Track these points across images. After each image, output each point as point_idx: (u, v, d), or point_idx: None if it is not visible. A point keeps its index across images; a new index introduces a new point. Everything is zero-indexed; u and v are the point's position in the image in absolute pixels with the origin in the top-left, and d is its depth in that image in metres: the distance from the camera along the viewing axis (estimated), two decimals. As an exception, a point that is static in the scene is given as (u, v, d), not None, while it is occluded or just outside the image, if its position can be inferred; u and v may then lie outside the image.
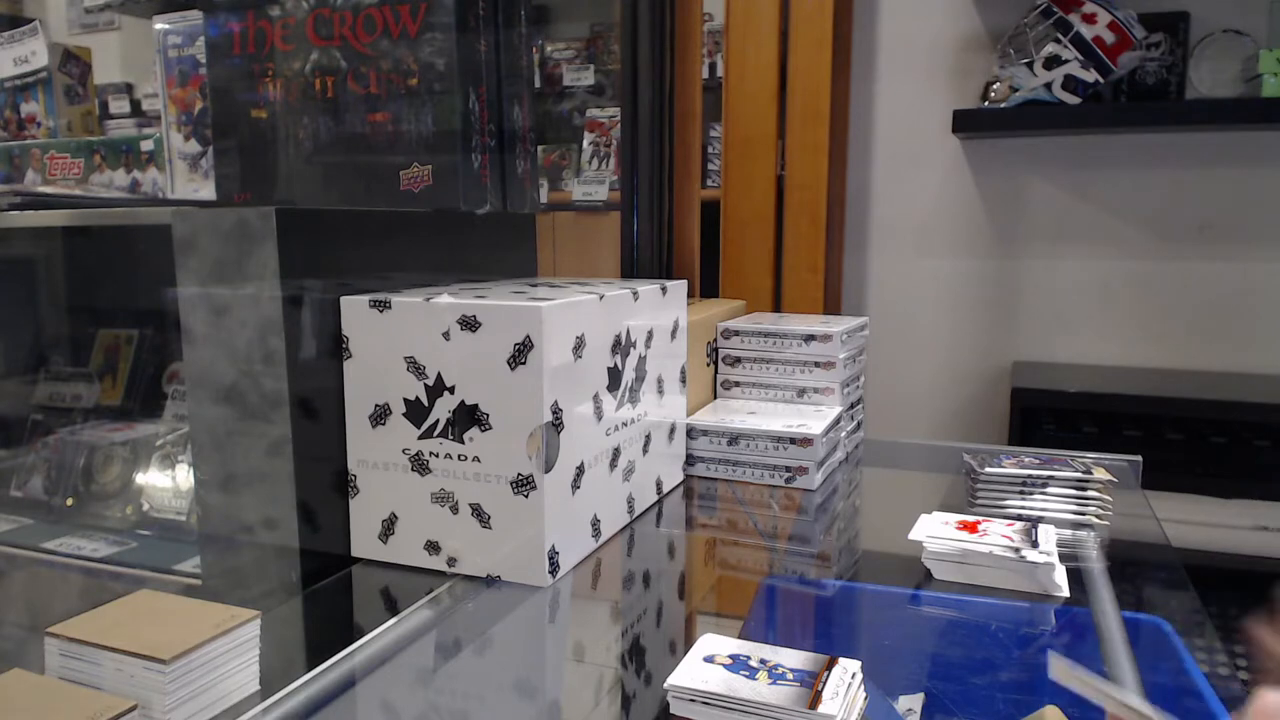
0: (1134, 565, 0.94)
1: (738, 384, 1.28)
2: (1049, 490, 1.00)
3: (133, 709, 0.55)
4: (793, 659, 0.62)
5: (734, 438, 1.13)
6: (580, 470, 0.86)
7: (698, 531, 1.04)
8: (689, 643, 0.65)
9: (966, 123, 2.11)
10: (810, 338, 1.23)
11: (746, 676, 0.60)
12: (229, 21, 1.05)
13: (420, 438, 0.83)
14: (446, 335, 0.81)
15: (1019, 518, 0.95)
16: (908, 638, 0.79)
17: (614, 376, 0.93)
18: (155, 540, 1.12)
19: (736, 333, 1.27)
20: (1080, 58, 1.96)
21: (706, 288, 1.75)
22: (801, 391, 1.24)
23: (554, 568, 0.82)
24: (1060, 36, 1.97)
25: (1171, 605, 0.85)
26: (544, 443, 0.79)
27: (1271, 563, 1.78)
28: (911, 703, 0.64)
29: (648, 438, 1.03)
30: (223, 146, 1.08)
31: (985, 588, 0.83)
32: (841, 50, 2.31)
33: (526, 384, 0.79)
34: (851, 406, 1.30)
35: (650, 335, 1.01)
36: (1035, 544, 0.85)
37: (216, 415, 0.84)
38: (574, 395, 0.84)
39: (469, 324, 0.80)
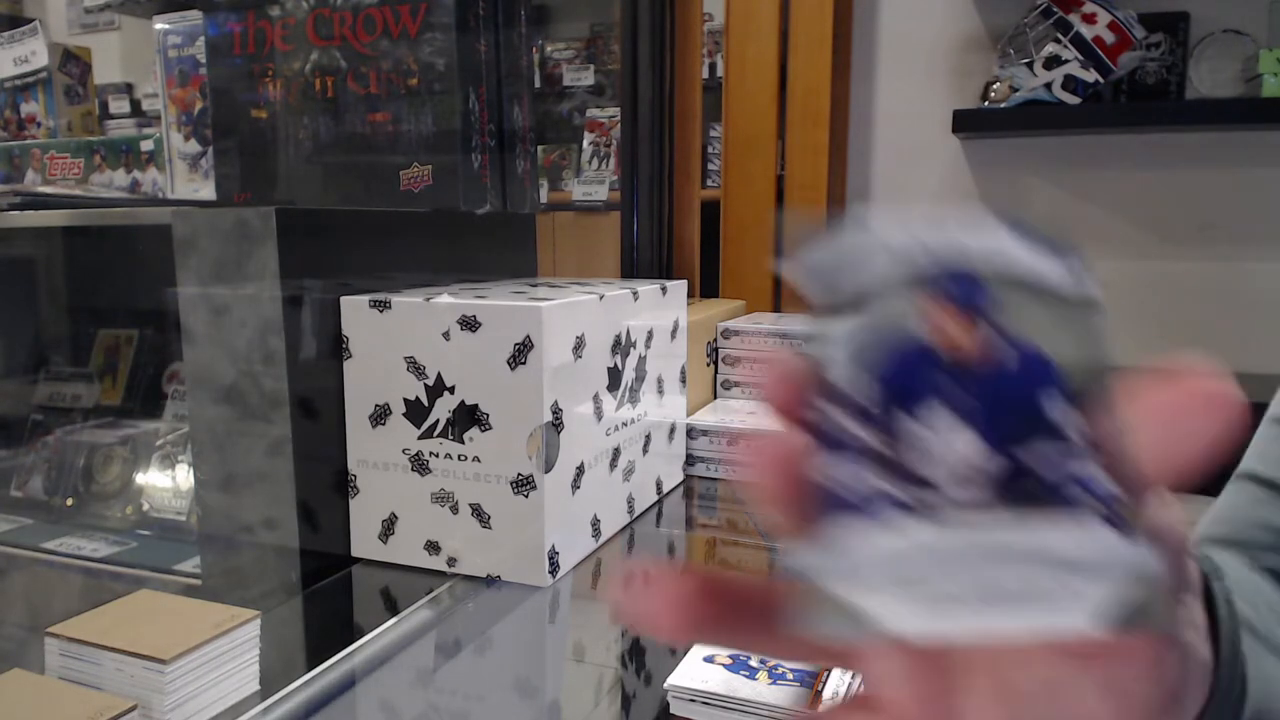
0: (1134, 565, 0.94)
1: (738, 384, 1.28)
2: (1049, 490, 1.00)
3: (133, 709, 0.55)
4: (793, 659, 0.62)
5: (734, 438, 1.13)
6: (580, 470, 0.86)
7: (698, 531, 1.04)
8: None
9: (966, 123, 2.11)
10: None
11: (746, 676, 0.60)
12: (229, 21, 1.05)
13: (420, 438, 0.83)
14: (446, 335, 0.81)
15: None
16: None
17: (614, 376, 0.93)
18: (155, 540, 1.12)
19: (736, 333, 1.27)
20: (1080, 58, 1.96)
21: (706, 288, 1.75)
22: (801, 391, 1.24)
23: (554, 568, 0.82)
24: (1060, 36, 1.97)
25: (1171, 605, 0.85)
26: (544, 443, 0.79)
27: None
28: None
29: (648, 438, 1.03)
30: (223, 146, 1.08)
31: (985, 588, 0.83)
32: (841, 50, 2.31)
33: (526, 384, 0.79)
34: (851, 406, 1.30)
35: (650, 335, 1.01)
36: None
37: (216, 415, 0.84)
38: (574, 395, 0.84)
39: (469, 324, 0.80)
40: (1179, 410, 0.20)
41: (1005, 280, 0.20)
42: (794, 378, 0.21)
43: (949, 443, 0.19)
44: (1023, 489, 0.19)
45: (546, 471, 0.80)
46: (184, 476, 1.16)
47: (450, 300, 0.81)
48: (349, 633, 0.75)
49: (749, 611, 0.24)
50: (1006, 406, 0.19)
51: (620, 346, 0.94)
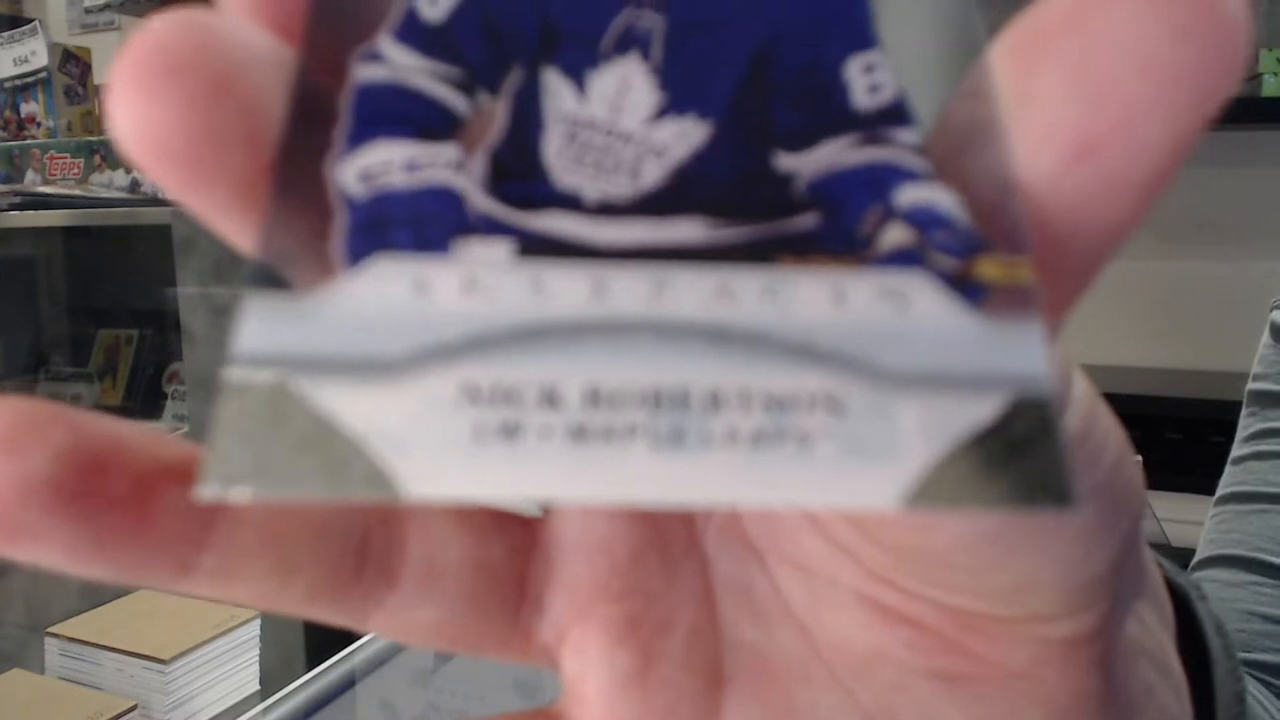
0: (1134, 565, 0.94)
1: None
2: (1049, 490, 1.00)
3: (133, 709, 0.55)
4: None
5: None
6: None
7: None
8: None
9: (966, 123, 2.11)
10: (810, 338, 1.23)
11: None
12: (229, 21, 1.05)
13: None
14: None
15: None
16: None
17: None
18: (155, 540, 1.12)
19: None
20: (1080, 58, 1.96)
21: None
22: (801, 391, 1.24)
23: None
24: (1060, 36, 1.97)
25: (1171, 605, 0.85)
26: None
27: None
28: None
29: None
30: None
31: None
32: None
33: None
34: (851, 406, 1.30)
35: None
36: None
37: (216, 415, 0.84)
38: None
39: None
40: (1124, 55, 0.09)
41: None
42: None
43: (623, 123, 0.10)
44: (774, 225, 0.10)
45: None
46: (184, 476, 1.16)
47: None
48: (349, 633, 0.75)
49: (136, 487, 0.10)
50: (766, 61, 0.10)
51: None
